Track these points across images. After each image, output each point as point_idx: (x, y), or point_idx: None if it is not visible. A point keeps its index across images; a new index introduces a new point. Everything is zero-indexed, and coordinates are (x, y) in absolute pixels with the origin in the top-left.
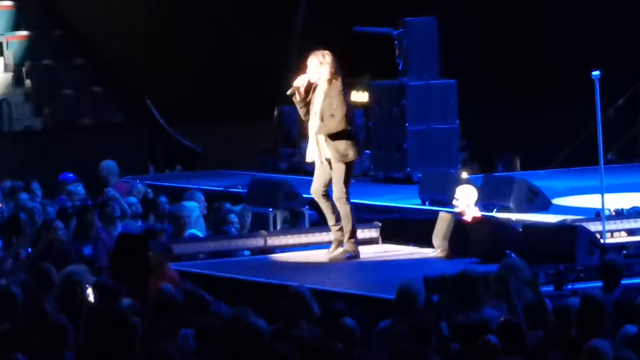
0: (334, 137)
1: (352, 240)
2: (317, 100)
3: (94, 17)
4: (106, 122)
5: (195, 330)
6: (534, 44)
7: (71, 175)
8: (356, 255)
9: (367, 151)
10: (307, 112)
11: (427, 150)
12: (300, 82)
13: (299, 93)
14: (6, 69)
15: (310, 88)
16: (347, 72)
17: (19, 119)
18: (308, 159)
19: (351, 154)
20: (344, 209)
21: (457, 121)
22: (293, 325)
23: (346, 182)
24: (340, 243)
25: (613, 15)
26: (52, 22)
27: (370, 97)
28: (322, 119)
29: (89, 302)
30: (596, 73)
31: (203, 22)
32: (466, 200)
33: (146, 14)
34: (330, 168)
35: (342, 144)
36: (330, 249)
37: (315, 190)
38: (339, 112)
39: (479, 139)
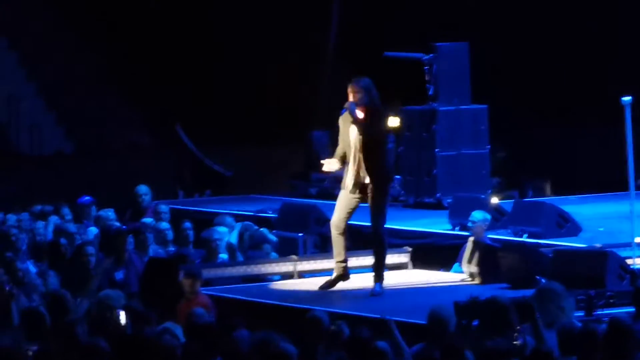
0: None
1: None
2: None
3: (128, 41)
4: (135, 146)
5: (223, 355)
6: (565, 69)
7: (88, 197)
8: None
9: (398, 176)
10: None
11: (457, 176)
12: None
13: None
14: (37, 93)
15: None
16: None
17: (49, 142)
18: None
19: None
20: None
21: (488, 146)
22: (312, 350)
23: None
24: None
25: None
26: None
27: (401, 122)
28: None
29: (121, 326)
30: (627, 98)
31: (234, 45)
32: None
33: (175, 38)
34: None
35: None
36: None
37: (340, 221)
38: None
39: (509, 164)
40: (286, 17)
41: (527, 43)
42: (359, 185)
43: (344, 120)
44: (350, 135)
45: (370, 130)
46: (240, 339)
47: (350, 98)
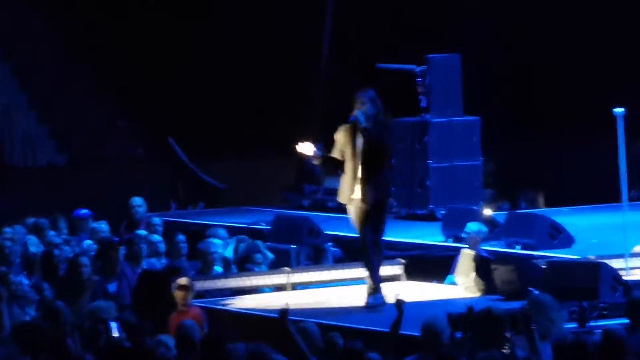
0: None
1: None
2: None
3: (121, 52)
4: (129, 158)
5: None
6: (558, 81)
7: (85, 211)
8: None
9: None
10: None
11: (449, 187)
12: None
13: None
14: (30, 106)
15: None
16: None
17: (42, 154)
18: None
19: None
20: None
21: (481, 158)
22: None
23: None
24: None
25: (637, 52)
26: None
27: None
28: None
29: (114, 338)
30: (619, 110)
31: (227, 59)
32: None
33: (170, 50)
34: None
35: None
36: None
37: (365, 235)
38: None
39: (502, 175)
40: (280, 30)
41: (519, 55)
42: (362, 196)
43: (348, 131)
44: (355, 146)
45: (379, 142)
46: (233, 351)
47: (358, 108)
